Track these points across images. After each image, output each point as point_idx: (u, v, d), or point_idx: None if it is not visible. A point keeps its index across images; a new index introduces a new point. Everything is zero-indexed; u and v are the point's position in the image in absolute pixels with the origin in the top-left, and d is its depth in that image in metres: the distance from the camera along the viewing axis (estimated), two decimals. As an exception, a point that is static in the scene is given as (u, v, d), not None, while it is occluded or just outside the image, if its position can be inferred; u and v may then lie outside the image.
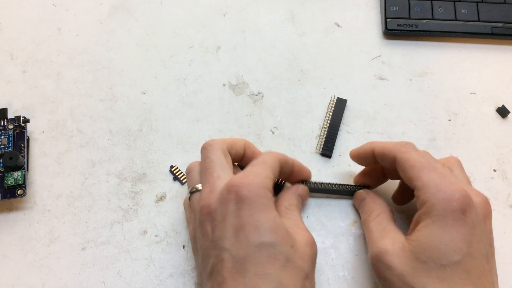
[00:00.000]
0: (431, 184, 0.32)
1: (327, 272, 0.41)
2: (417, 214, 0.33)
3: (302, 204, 0.40)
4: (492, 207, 0.43)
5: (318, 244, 0.42)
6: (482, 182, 0.45)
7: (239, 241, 0.31)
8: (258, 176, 0.33)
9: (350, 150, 0.41)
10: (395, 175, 0.39)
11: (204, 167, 0.36)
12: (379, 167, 0.41)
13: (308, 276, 0.32)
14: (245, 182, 0.32)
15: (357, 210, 0.43)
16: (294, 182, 0.41)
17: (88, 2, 0.53)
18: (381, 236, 0.35)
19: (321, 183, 0.42)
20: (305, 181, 0.41)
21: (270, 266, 0.31)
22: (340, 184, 0.42)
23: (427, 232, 0.32)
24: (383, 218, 0.37)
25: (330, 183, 0.42)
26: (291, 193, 0.40)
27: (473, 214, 0.32)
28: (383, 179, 0.42)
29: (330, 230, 0.42)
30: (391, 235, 0.34)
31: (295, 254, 0.32)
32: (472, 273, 0.31)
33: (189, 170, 0.38)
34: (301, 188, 0.40)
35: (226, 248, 0.31)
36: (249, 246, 0.31)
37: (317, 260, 0.41)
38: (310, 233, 0.35)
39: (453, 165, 0.37)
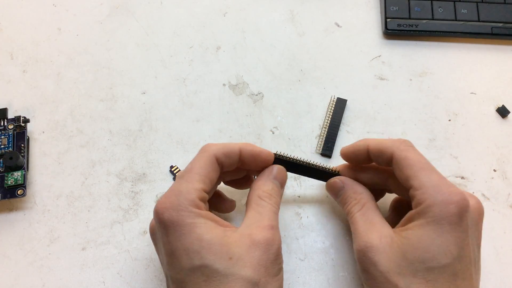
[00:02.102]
0: (430, 185, 0.32)
1: (327, 272, 0.41)
2: (410, 212, 0.33)
3: (281, 187, 0.37)
4: (492, 207, 0.44)
5: (318, 244, 0.42)
6: (482, 182, 0.45)
7: (174, 266, 0.31)
8: (179, 194, 0.32)
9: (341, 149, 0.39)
10: (383, 176, 0.38)
11: (181, 174, 0.34)
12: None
13: (259, 284, 0.30)
14: (165, 206, 0.31)
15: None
16: (255, 169, 0.38)
17: (88, 2, 0.53)
18: (368, 229, 0.34)
19: (293, 160, 0.38)
20: (280, 157, 0.38)
21: (208, 287, 0.30)
22: (313, 165, 0.39)
23: (419, 232, 0.31)
24: (368, 209, 0.35)
25: (303, 161, 0.39)
26: (265, 177, 0.37)
27: (468, 219, 0.31)
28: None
29: (330, 230, 0.42)
30: (378, 229, 0.34)
31: (235, 265, 0.30)
32: (459, 276, 0.31)
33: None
34: (276, 169, 0.37)
35: (166, 273, 0.33)
36: (183, 270, 0.31)
37: (317, 260, 0.41)
38: (270, 230, 0.33)
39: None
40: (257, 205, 0.35)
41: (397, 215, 0.40)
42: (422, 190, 0.32)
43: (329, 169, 0.39)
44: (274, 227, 0.33)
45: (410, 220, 0.33)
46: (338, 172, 0.39)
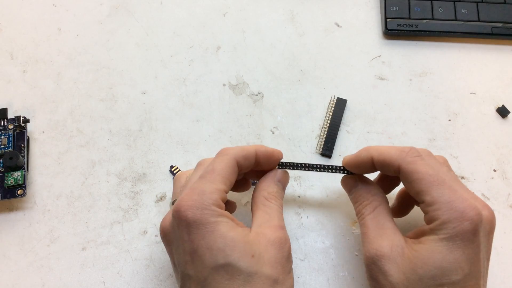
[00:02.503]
0: (443, 201, 0.31)
1: (327, 272, 0.41)
2: (424, 227, 0.32)
3: (283, 189, 0.38)
4: (492, 207, 0.43)
5: (318, 244, 0.42)
6: (482, 182, 0.45)
7: (196, 265, 0.31)
8: (203, 193, 0.32)
9: (345, 154, 0.38)
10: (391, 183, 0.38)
11: (203, 174, 0.34)
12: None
13: (278, 281, 0.31)
14: (188, 204, 0.31)
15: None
16: (267, 169, 0.38)
17: (88, 2, 0.53)
18: (379, 235, 0.33)
19: (301, 165, 0.38)
20: (283, 163, 0.38)
21: (231, 285, 0.30)
22: (322, 165, 0.38)
23: (431, 247, 0.31)
24: (380, 213, 0.34)
25: (310, 164, 0.38)
26: (270, 180, 0.37)
27: (481, 233, 0.31)
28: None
29: (330, 230, 0.42)
30: (389, 236, 0.33)
31: (257, 263, 0.31)
32: None
33: (175, 180, 0.39)
34: (280, 173, 0.38)
35: (187, 273, 0.32)
36: (206, 269, 0.30)
37: (317, 260, 0.41)
38: (281, 229, 0.33)
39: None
40: (264, 205, 0.35)
41: (403, 205, 0.40)
42: (435, 206, 0.31)
43: (335, 166, 0.38)
44: (283, 227, 0.34)
45: (423, 234, 0.32)
46: (346, 169, 0.38)
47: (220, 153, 0.35)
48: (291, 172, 0.45)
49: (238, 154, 0.35)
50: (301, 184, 0.44)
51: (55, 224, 0.43)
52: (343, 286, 0.40)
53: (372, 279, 0.33)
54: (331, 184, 0.44)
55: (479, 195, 0.44)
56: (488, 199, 0.44)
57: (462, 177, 0.45)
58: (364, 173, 0.38)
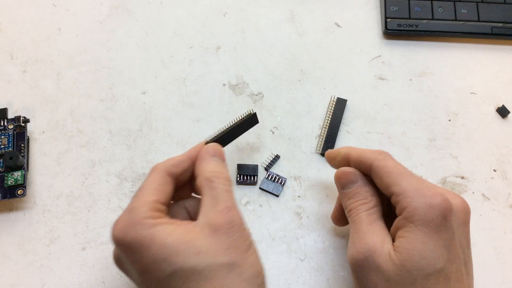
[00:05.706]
0: (410, 189, 0.32)
1: (327, 272, 0.41)
2: (397, 220, 0.33)
3: (223, 163, 0.36)
4: (492, 207, 0.44)
5: (318, 244, 0.42)
6: (482, 182, 0.45)
7: (150, 282, 0.31)
8: (131, 211, 0.31)
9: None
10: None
11: (135, 194, 0.34)
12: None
13: (235, 264, 0.30)
14: (120, 226, 0.31)
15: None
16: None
17: (88, 2, 0.53)
18: (372, 230, 0.33)
19: (220, 135, 0.38)
20: (211, 140, 0.38)
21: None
22: (234, 125, 0.39)
23: (411, 238, 0.31)
24: (375, 212, 0.35)
25: (226, 130, 0.39)
26: (204, 159, 0.35)
27: (453, 219, 0.32)
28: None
29: (330, 230, 0.42)
30: (381, 233, 0.33)
31: (206, 258, 0.30)
32: (452, 278, 0.31)
33: None
34: (210, 147, 0.36)
35: None
36: (160, 282, 0.30)
37: (317, 260, 0.41)
38: (228, 211, 0.32)
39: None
40: (208, 188, 0.33)
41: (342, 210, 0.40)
42: (404, 194, 0.32)
43: (246, 116, 0.39)
44: (231, 208, 0.32)
45: (398, 228, 0.33)
46: (255, 113, 0.40)
47: (150, 170, 0.35)
48: (291, 172, 0.45)
49: (166, 164, 0.35)
50: (301, 184, 0.44)
51: (55, 224, 0.43)
52: (343, 286, 0.40)
53: (361, 277, 0.33)
54: (331, 184, 0.44)
55: (479, 195, 0.44)
56: (488, 199, 0.44)
57: (462, 177, 0.45)
58: (337, 166, 0.39)
